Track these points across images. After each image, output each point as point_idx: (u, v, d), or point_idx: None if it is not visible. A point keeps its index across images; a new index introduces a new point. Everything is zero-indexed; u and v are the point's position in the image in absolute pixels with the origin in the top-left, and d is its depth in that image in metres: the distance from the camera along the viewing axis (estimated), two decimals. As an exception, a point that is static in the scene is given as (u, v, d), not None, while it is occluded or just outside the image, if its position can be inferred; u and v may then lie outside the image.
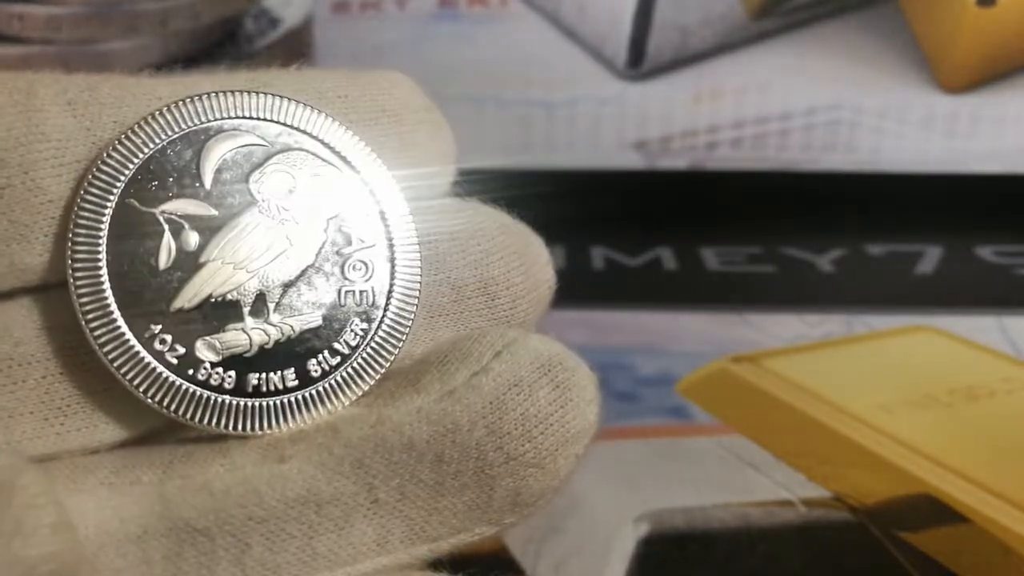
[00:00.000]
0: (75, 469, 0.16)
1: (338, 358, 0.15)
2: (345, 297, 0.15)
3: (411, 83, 0.19)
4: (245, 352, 0.15)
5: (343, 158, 0.15)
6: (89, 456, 0.17)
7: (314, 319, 0.15)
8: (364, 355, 0.15)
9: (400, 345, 0.15)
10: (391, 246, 0.15)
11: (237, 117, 0.15)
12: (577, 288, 0.46)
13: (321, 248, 0.15)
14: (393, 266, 0.15)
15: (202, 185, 0.15)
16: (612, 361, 0.38)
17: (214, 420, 0.15)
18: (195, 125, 0.15)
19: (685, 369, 0.36)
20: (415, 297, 0.15)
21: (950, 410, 0.33)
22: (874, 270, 0.48)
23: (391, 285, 0.15)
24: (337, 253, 0.15)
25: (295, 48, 0.49)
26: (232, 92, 0.15)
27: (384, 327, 0.15)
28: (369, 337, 0.15)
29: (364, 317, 0.15)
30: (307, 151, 0.15)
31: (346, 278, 0.15)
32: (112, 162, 0.15)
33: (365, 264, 0.15)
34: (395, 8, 0.48)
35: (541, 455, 0.17)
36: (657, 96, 0.48)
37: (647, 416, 0.33)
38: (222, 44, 0.49)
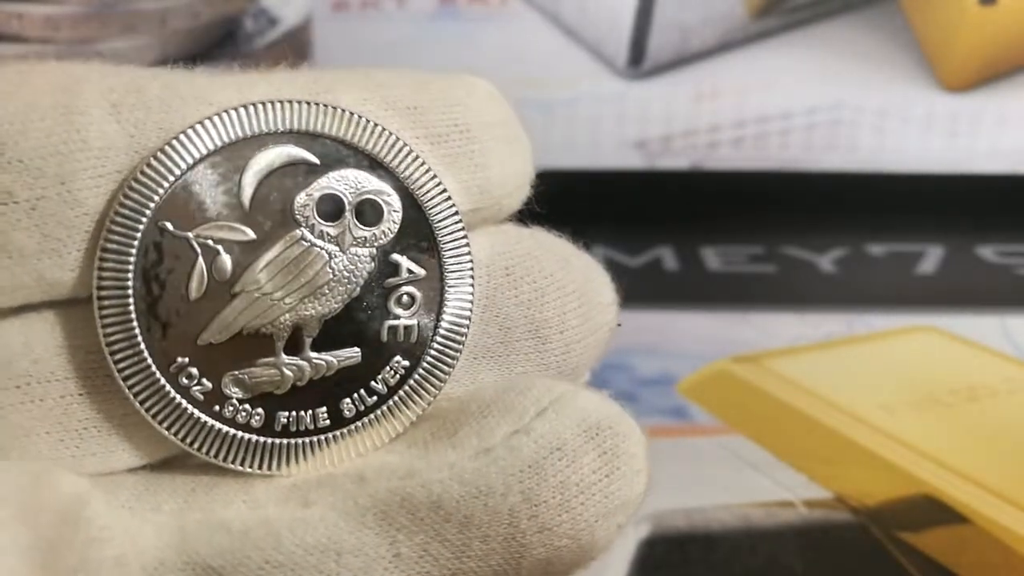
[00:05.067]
0: (96, 487, 0.15)
1: (375, 398, 0.14)
2: (388, 333, 0.14)
3: (490, 91, 0.17)
4: (276, 389, 0.14)
5: (400, 181, 0.14)
6: (110, 476, 0.16)
7: (353, 355, 0.14)
8: (401, 395, 0.14)
9: (440, 387, 0.14)
10: (442, 279, 0.14)
11: (289, 131, 0.13)
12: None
13: (367, 278, 0.14)
14: (442, 302, 0.14)
15: (241, 205, 0.13)
16: (612, 361, 0.37)
17: (239, 459, 0.14)
18: (242, 137, 0.14)
19: (686, 369, 0.36)
20: (462, 337, 0.14)
21: (951, 411, 0.33)
22: (875, 270, 0.48)
23: (438, 322, 0.14)
24: (383, 284, 0.14)
25: (294, 47, 0.49)
26: (286, 102, 0.14)
27: (424, 367, 0.14)
28: (409, 377, 0.14)
29: (407, 354, 0.14)
30: (361, 171, 0.14)
31: (391, 312, 0.14)
32: (146, 179, 0.14)
33: (412, 297, 0.14)
34: (395, 7, 0.48)
35: (579, 527, 0.15)
36: (658, 95, 0.48)
37: (647, 416, 0.33)
38: (221, 43, 0.49)
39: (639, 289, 0.45)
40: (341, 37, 0.49)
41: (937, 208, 0.53)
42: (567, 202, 0.55)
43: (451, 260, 0.14)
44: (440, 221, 0.14)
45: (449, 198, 0.14)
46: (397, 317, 0.14)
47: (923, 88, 0.47)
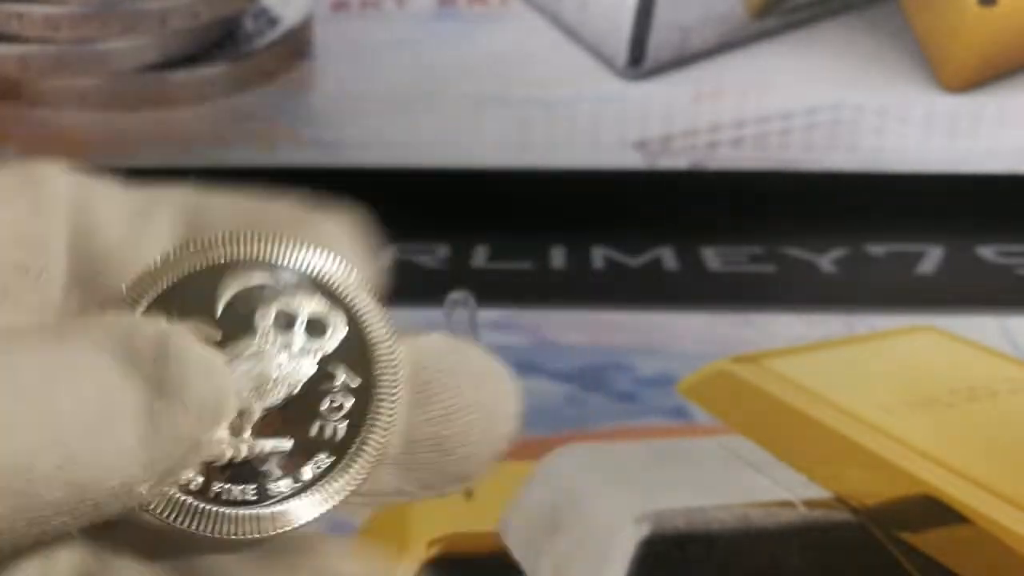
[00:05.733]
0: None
1: (298, 485, 0.15)
2: (319, 431, 0.15)
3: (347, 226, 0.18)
4: (215, 462, 0.15)
5: (346, 304, 0.16)
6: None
7: (284, 445, 0.15)
8: (318, 490, 0.15)
9: (351, 489, 0.15)
10: (372, 392, 0.16)
11: (260, 261, 0.16)
12: (578, 288, 0.46)
13: (307, 382, 0.15)
14: (368, 412, 0.15)
15: (212, 315, 0.15)
16: (613, 361, 0.38)
17: (179, 519, 0.15)
18: (224, 263, 0.16)
19: (686, 369, 0.37)
20: (382, 446, 0.16)
21: (951, 410, 0.33)
22: (875, 270, 0.48)
23: (361, 431, 0.15)
24: (321, 388, 0.15)
25: (294, 47, 0.49)
26: (249, 238, 0.16)
27: (342, 469, 0.15)
28: (328, 474, 0.15)
29: (330, 453, 0.15)
30: (313, 295, 0.16)
31: (323, 414, 0.15)
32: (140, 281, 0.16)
33: (343, 405, 0.15)
34: (395, 6, 0.48)
35: None
36: (658, 95, 0.48)
37: (648, 416, 0.34)
38: (221, 43, 0.49)
39: (639, 289, 0.46)
40: (341, 37, 0.49)
41: (937, 208, 0.53)
42: (567, 201, 0.56)
43: (383, 375, 0.16)
44: (377, 341, 0.16)
45: (385, 320, 0.16)
46: (327, 419, 0.15)
47: (923, 88, 0.47)
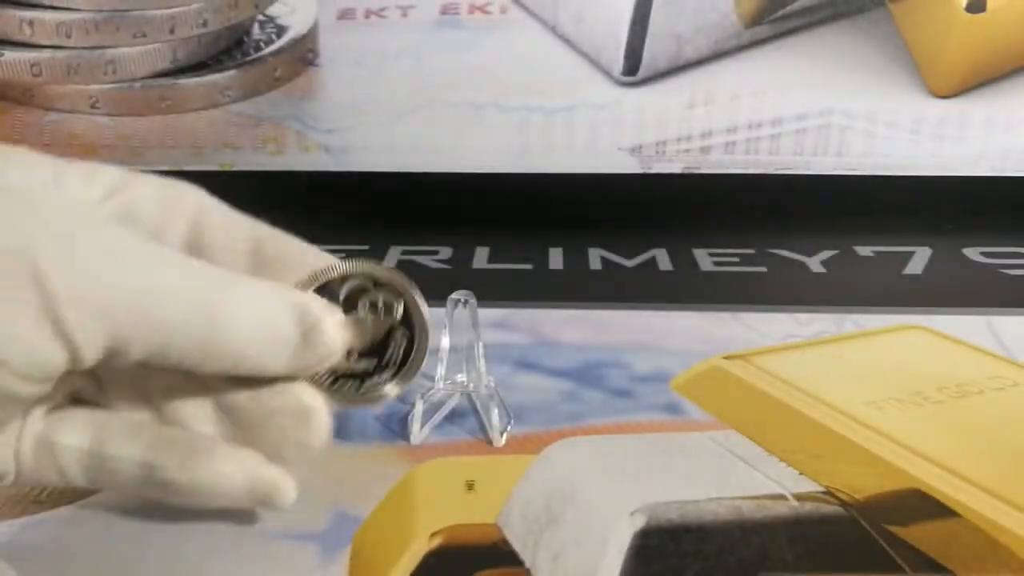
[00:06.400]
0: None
1: (382, 381, 0.28)
2: (390, 357, 0.28)
3: None
4: (345, 373, 0.28)
5: (401, 294, 0.28)
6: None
7: (373, 364, 0.28)
8: (392, 385, 0.28)
9: (406, 387, 0.28)
10: (415, 339, 0.28)
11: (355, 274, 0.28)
12: (575, 288, 0.46)
13: (386, 332, 0.28)
14: (414, 349, 0.28)
15: (338, 301, 0.28)
16: (609, 359, 0.38)
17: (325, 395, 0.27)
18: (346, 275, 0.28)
19: (679, 366, 0.37)
20: (419, 367, 0.28)
21: (939, 407, 0.33)
22: (864, 270, 0.48)
23: (411, 359, 0.28)
24: (390, 338, 0.28)
25: (301, 55, 0.49)
26: (354, 260, 0.28)
27: (403, 376, 0.28)
28: (395, 377, 0.28)
29: (396, 368, 0.28)
30: (390, 294, 0.28)
31: (391, 350, 0.28)
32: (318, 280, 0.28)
33: (401, 346, 0.28)
34: (399, 16, 0.48)
35: None
36: (652, 102, 0.49)
37: (642, 412, 0.34)
38: (229, 50, 0.49)
39: (635, 289, 0.46)
40: (346, 45, 0.49)
41: (925, 210, 0.53)
42: (565, 205, 0.56)
43: (421, 332, 0.28)
44: (418, 316, 0.28)
45: (421, 304, 0.28)
46: (394, 352, 0.28)
47: (912, 94, 0.47)
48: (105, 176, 0.26)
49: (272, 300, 0.25)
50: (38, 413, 0.26)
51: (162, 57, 0.49)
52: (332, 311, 0.26)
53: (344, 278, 0.28)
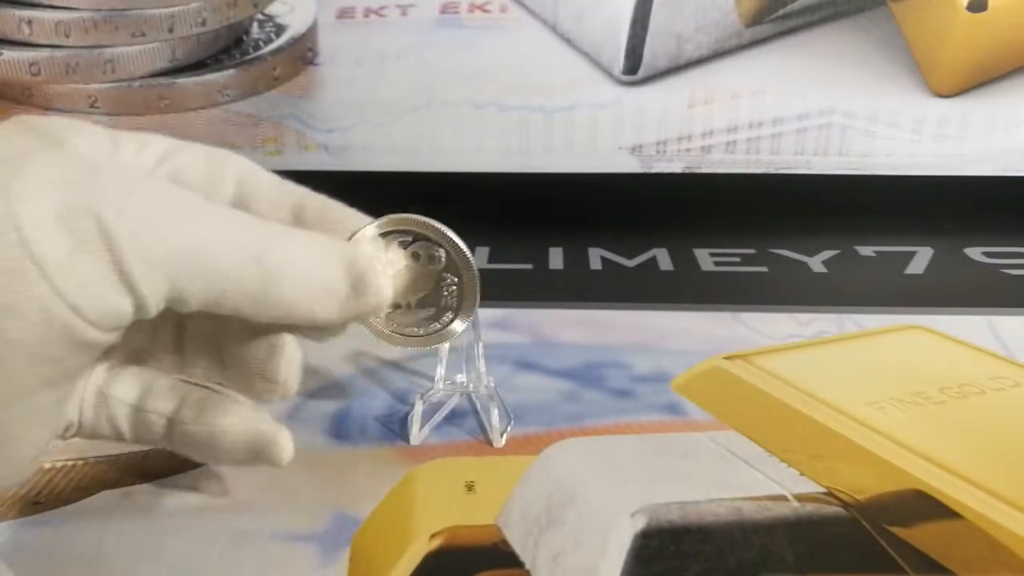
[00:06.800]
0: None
1: (440, 326, 0.30)
2: (445, 302, 0.30)
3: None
4: (410, 326, 0.30)
5: (444, 243, 0.29)
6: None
7: (430, 310, 0.30)
8: (450, 327, 0.30)
9: (463, 327, 0.30)
10: (464, 282, 0.30)
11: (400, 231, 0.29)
12: (575, 288, 0.46)
13: (436, 281, 0.30)
14: (464, 292, 0.30)
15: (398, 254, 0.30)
16: (609, 359, 0.38)
17: (384, 338, 0.30)
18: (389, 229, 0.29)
19: (680, 366, 0.37)
20: (473, 308, 0.30)
21: (940, 407, 0.33)
22: (865, 270, 0.48)
23: (463, 301, 0.30)
24: (441, 285, 0.30)
25: (300, 54, 0.49)
26: (411, 219, 0.29)
27: (459, 316, 0.30)
28: (452, 321, 0.30)
29: (451, 311, 0.30)
30: (429, 242, 0.29)
31: (444, 295, 0.30)
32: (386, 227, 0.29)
33: (453, 290, 0.30)
34: (398, 15, 0.48)
35: None
36: (653, 101, 0.49)
37: (643, 412, 0.34)
38: (228, 50, 0.49)
39: (635, 289, 0.46)
40: (346, 44, 0.49)
41: (926, 210, 0.53)
42: (566, 204, 0.56)
43: (468, 275, 0.30)
44: (462, 259, 0.29)
45: (462, 248, 0.29)
46: (447, 296, 0.30)
47: (913, 93, 0.47)
48: (156, 144, 0.28)
49: (322, 252, 0.26)
50: (100, 369, 0.28)
51: (161, 56, 0.49)
52: (379, 261, 0.28)
53: (385, 234, 0.29)
